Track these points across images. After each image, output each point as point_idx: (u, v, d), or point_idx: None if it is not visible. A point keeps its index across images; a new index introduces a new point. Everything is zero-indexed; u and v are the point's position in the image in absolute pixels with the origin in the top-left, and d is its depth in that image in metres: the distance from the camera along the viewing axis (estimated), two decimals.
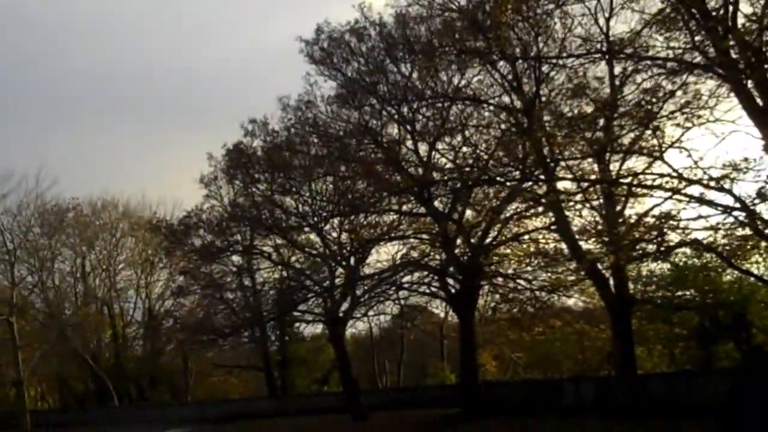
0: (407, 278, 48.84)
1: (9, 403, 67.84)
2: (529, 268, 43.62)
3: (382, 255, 51.13)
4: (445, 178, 40.78)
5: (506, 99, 37.30)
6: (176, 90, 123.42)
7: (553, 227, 38.54)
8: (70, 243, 71.90)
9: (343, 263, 49.27)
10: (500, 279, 46.34)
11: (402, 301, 58.00)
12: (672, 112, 29.61)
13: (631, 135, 31.95)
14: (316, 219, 48.22)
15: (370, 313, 58.89)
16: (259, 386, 72.91)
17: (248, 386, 77.43)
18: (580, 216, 35.37)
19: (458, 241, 44.19)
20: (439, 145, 42.31)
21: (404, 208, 45.59)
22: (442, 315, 65.76)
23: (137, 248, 73.34)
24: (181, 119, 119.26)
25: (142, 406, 67.43)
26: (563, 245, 38.30)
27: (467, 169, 39.59)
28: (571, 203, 33.93)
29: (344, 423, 47.45)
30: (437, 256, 47.22)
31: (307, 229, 49.82)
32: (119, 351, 72.78)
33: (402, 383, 68.48)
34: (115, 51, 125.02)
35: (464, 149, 40.88)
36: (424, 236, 46.91)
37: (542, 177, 34.53)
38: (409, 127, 42.46)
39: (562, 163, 33.56)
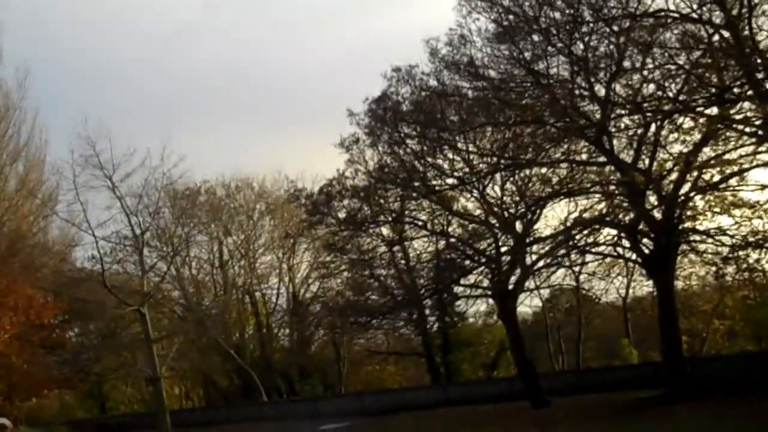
0: (584, 242, 44.71)
1: (147, 403, 67.00)
2: (732, 221, 39.04)
3: (550, 219, 46.80)
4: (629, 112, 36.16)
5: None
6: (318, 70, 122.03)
7: None
8: (204, 229, 70.07)
9: (510, 228, 45.30)
10: (697, 236, 41.52)
11: (580, 268, 53.99)
12: None
13: None
14: (474, 178, 44.33)
15: (544, 284, 55.22)
16: (419, 374, 70.81)
17: (406, 374, 75.07)
18: None
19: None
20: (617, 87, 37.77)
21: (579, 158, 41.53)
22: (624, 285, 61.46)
23: (277, 230, 71.11)
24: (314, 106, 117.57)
25: (292, 401, 65.61)
26: None
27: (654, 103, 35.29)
28: None
29: (523, 411, 43.79)
30: (620, 214, 42.64)
31: (464, 189, 45.96)
32: (264, 342, 71.16)
33: (581, 364, 64.14)
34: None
35: (649, 83, 36.25)
36: (604, 189, 42.31)
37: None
38: (580, 64, 37.84)
39: None
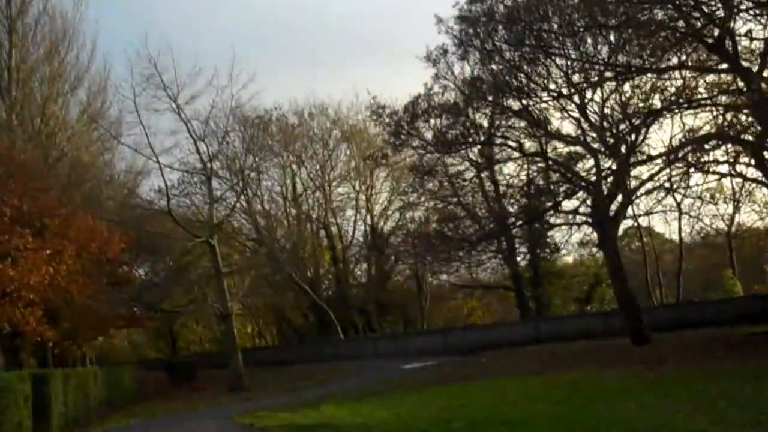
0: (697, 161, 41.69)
1: (219, 342, 65.34)
2: None
3: (653, 140, 43.54)
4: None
5: None
6: None
7: None
8: (276, 159, 67.66)
9: (613, 149, 42.14)
10: None
11: (684, 192, 52.39)
12: None
13: None
14: (575, 90, 41.00)
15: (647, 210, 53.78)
16: (506, 309, 68.79)
17: (491, 310, 72.82)
18: None
19: None
20: None
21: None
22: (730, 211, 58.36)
23: (354, 159, 68.97)
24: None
25: (371, 338, 63.86)
26: None
27: None
28: None
29: (625, 348, 40.82)
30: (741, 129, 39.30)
31: (563, 106, 42.75)
32: (340, 277, 69.34)
33: (681, 298, 61.24)
34: None
35: None
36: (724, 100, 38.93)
37: None
38: None
39: None
